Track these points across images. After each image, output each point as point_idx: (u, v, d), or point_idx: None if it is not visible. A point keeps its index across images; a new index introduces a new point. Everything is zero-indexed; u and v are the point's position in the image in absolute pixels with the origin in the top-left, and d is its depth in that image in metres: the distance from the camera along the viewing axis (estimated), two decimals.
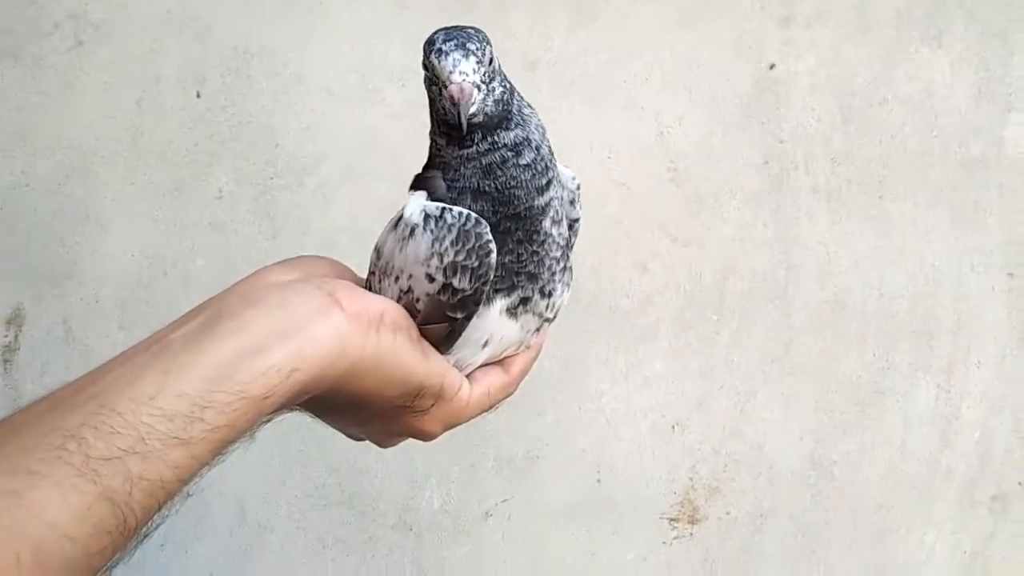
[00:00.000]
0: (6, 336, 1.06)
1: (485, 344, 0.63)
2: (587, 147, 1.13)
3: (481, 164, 0.59)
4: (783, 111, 1.21)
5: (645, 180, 1.17)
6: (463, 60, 0.57)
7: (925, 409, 1.23)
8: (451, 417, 0.64)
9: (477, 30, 0.59)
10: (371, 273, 0.63)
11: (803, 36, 1.20)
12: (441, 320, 0.60)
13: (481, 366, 0.65)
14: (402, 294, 0.60)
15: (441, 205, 0.58)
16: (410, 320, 0.60)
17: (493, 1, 1.10)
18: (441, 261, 0.58)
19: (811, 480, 1.21)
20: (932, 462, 1.23)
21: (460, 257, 0.57)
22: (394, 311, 0.58)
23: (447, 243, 0.57)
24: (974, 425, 1.23)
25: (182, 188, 1.02)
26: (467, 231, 0.57)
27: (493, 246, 0.58)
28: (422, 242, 0.59)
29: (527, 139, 0.60)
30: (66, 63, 0.99)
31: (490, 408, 0.66)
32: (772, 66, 1.19)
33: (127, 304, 1.09)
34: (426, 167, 0.63)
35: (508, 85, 0.61)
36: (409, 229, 0.59)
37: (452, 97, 0.56)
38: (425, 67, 0.58)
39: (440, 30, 0.59)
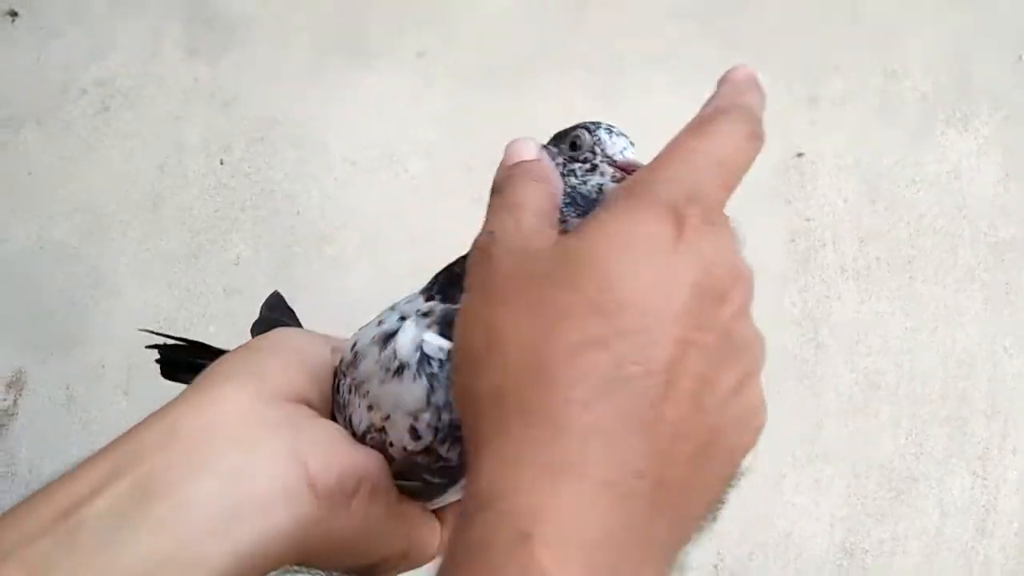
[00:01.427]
0: (5, 400, 1.05)
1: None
2: None
3: None
4: (809, 189, 1.21)
5: None
6: (631, 149, 0.55)
7: (961, 497, 1.19)
8: (415, 564, 0.53)
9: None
10: (341, 374, 0.53)
11: (830, 116, 1.22)
12: (416, 479, 0.49)
13: None
14: (373, 430, 0.50)
15: (449, 345, 0.47)
16: (389, 479, 0.49)
17: (522, 77, 1.11)
18: (437, 420, 0.47)
19: (842, 569, 1.17)
20: (970, 553, 1.19)
21: (459, 421, 0.45)
22: (375, 473, 0.47)
23: (447, 396, 0.46)
24: (1011, 515, 1.20)
25: (199, 254, 1.01)
26: None
27: None
28: (414, 389, 0.48)
29: None
30: (91, 128, 1.00)
31: None
32: (800, 154, 1.20)
33: (133, 371, 1.08)
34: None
35: None
36: (397, 365, 0.49)
37: (630, 165, 0.53)
38: (575, 143, 0.55)
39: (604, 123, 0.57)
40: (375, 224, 1.05)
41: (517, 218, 0.43)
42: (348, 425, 0.50)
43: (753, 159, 0.43)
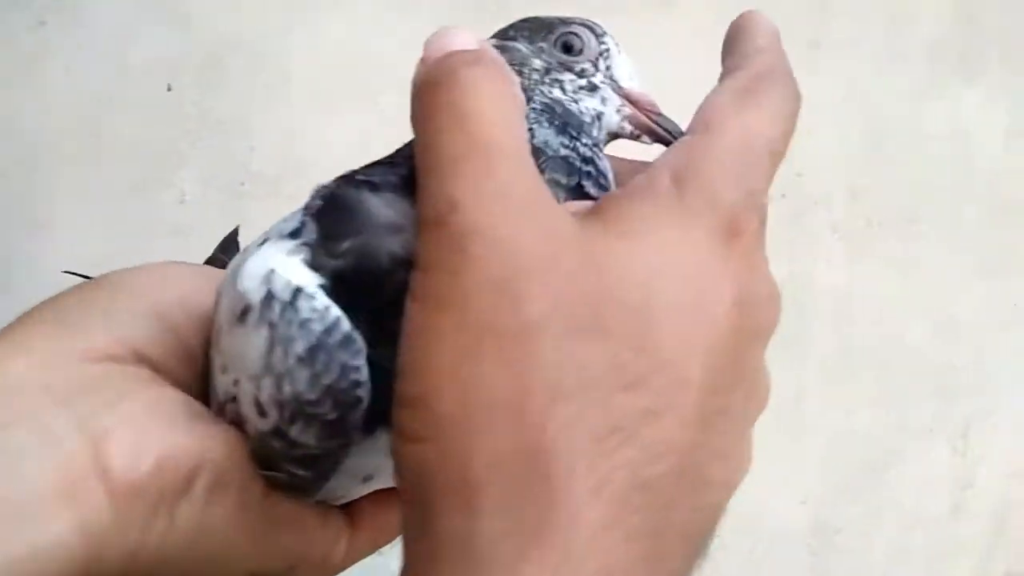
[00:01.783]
0: None
1: (368, 479, 0.40)
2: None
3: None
4: (804, 142, 1.14)
5: None
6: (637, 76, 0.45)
7: (938, 474, 1.15)
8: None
9: None
10: (213, 332, 0.39)
11: (830, 64, 1.14)
12: (280, 470, 0.37)
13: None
14: (229, 400, 0.38)
15: (307, 281, 0.35)
16: (246, 469, 0.37)
17: (503, 8, 1.02)
18: (277, 391, 0.35)
19: (813, 549, 1.13)
20: (945, 531, 1.15)
21: (310, 395, 0.34)
22: (217, 462, 0.36)
23: (291, 359, 0.34)
24: (989, 493, 1.16)
25: (141, 189, 0.93)
26: (328, 348, 0.34)
27: (364, 391, 0.35)
28: (254, 340, 0.35)
29: None
30: (26, 45, 0.90)
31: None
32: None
33: None
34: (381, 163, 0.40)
35: None
36: (242, 308, 0.36)
37: (647, 105, 0.43)
38: (568, 43, 0.43)
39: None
40: (339, 163, 0.96)
41: (490, 166, 0.31)
42: (214, 395, 0.38)
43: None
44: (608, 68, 0.43)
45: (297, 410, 0.35)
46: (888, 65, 1.14)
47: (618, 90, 0.43)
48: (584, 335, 0.30)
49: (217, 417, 0.38)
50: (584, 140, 0.40)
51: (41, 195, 0.91)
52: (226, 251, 0.57)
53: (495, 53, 0.35)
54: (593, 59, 0.43)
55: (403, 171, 0.36)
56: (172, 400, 0.37)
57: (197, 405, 0.38)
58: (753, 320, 0.33)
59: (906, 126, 1.15)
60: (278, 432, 0.36)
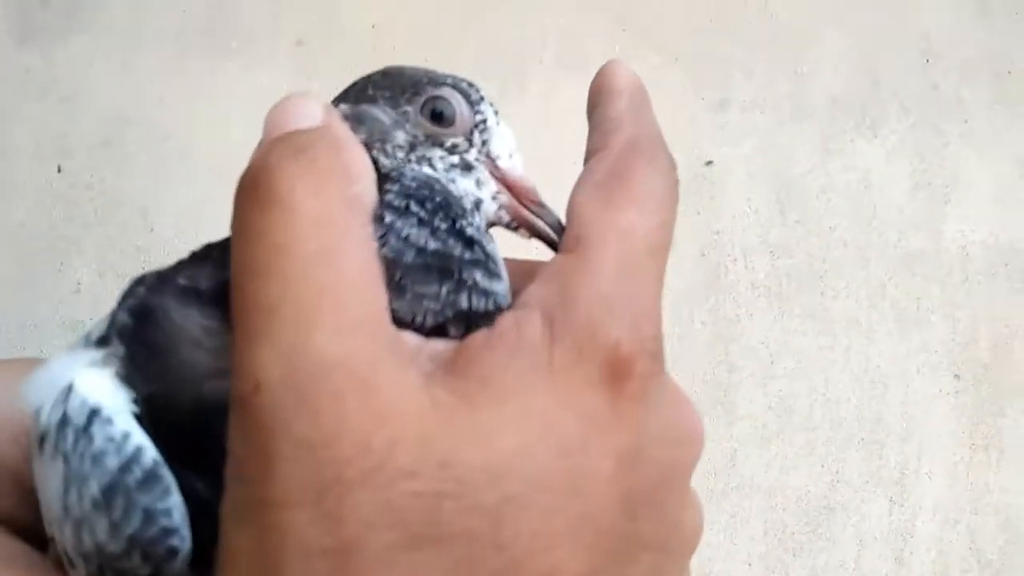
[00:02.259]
0: None
1: None
2: (507, 239, 1.02)
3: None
4: (718, 200, 1.13)
5: None
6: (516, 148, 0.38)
7: (879, 526, 1.13)
8: None
9: None
10: None
11: (738, 122, 1.13)
12: None
13: None
14: (51, 541, 0.32)
15: (108, 400, 0.29)
16: None
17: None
18: (79, 539, 0.28)
19: None
20: None
21: (114, 547, 0.28)
22: None
23: (86, 503, 0.28)
24: (929, 543, 1.14)
25: (31, 281, 0.85)
26: (126, 490, 0.28)
27: (179, 539, 0.28)
28: (51, 477, 0.29)
29: None
30: None
31: None
32: (709, 163, 1.12)
33: None
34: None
35: None
36: (37, 433, 0.30)
37: (525, 193, 0.36)
38: (439, 111, 0.36)
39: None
40: None
41: (308, 326, 0.25)
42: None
43: None
44: (484, 143, 0.37)
45: (103, 564, 0.28)
46: (792, 122, 1.14)
47: (495, 171, 0.36)
48: (420, 544, 0.24)
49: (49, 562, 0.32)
50: (469, 220, 0.34)
51: None
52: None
53: (339, 134, 0.30)
54: (467, 132, 0.36)
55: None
56: None
57: (19, 548, 0.32)
58: (656, 471, 0.28)
59: (813, 181, 1.16)
60: None
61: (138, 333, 0.31)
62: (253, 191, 0.28)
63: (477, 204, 0.35)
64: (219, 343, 0.30)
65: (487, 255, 0.33)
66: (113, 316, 0.32)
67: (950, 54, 1.20)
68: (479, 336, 0.29)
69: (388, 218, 0.31)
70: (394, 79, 0.37)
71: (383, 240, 0.31)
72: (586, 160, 0.33)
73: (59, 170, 0.86)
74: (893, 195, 1.19)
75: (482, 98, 0.37)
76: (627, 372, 0.27)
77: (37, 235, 0.86)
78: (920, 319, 1.18)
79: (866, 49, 1.17)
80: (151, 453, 0.29)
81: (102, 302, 0.86)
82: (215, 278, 0.31)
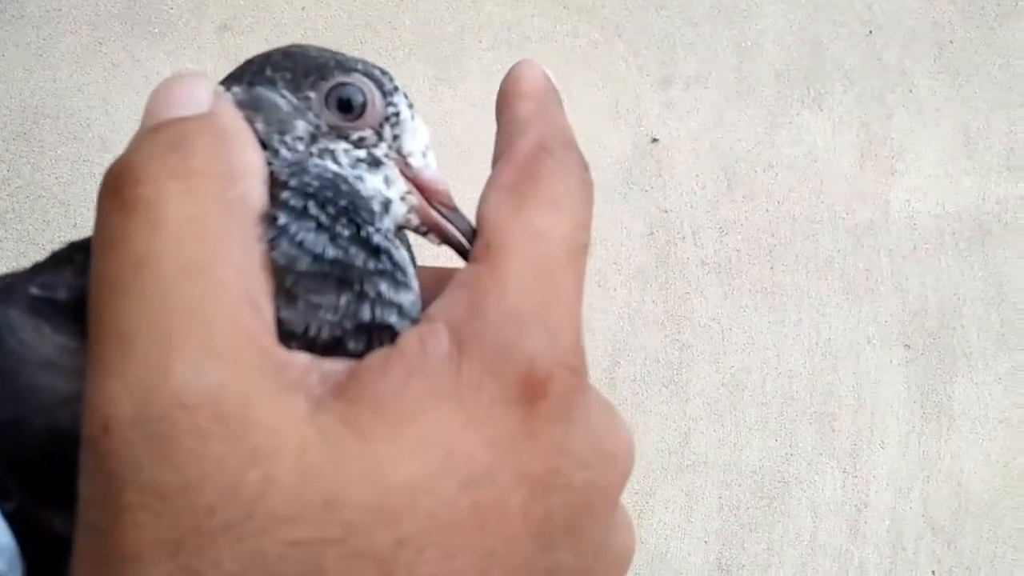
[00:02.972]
0: None
1: None
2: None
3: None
4: (666, 178, 1.09)
5: None
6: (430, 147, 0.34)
7: (832, 498, 1.11)
8: None
9: None
10: None
11: (683, 98, 1.10)
12: None
13: None
14: None
15: None
16: None
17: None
18: None
19: None
20: (844, 556, 1.10)
21: None
22: None
23: None
24: (883, 512, 1.12)
25: None
26: None
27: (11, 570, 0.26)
28: None
29: None
30: None
31: None
32: (655, 139, 1.08)
33: None
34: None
35: None
36: None
37: (438, 195, 0.32)
38: (345, 100, 0.32)
39: (373, 65, 0.33)
40: None
41: (167, 357, 0.22)
42: None
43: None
44: (396, 138, 0.32)
45: None
46: (738, 97, 1.11)
47: (405, 169, 0.32)
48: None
49: None
50: (376, 225, 0.30)
51: None
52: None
53: (225, 124, 0.26)
54: (376, 125, 0.32)
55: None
56: None
57: None
58: (577, 495, 0.25)
59: (760, 156, 1.13)
60: None
61: None
62: (115, 192, 0.24)
63: (385, 205, 0.31)
64: (77, 363, 0.25)
65: (394, 264, 0.29)
66: None
67: (893, 25, 1.17)
68: (377, 355, 0.25)
69: (282, 220, 0.27)
70: (297, 60, 0.32)
71: (273, 243, 0.27)
72: (493, 164, 0.30)
73: None
74: (840, 167, 1.16)
75: (395, 88, 0.32)
76: (542, 390, 0.24)
77: None
78: (870, 290, 1.15)
79: (809, 22, 1.14)
80: None
81: None
82: (74, 287, 0.27)
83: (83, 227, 0.86)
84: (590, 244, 0.27)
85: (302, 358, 0.25)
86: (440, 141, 0.98)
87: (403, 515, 0.22)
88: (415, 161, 0.32)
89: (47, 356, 0.26)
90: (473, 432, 0.23)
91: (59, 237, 0.86)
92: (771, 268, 1.12)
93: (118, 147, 0.78)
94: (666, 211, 1.08)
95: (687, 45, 1.09)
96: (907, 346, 1.16)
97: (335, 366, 0.25)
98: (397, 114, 0.32)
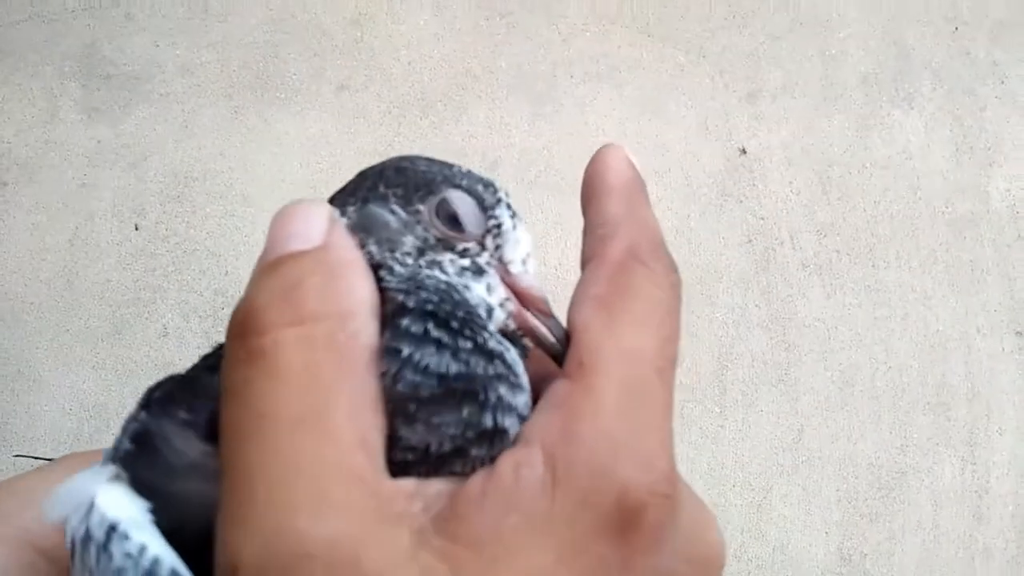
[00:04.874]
0: None
1: None
2: (561, 243, 1.03)
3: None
4: (760, 187, 1.12)
5: None
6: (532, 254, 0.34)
7: (952, 485, 1.10)
8: None
9: None
10: None
11: (772, 110, 1.13)
12: None
13: None
14: None
15: (126, 514, 0.29)
16: None
17: (450, 103, 1.01)
18: None
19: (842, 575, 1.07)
20: (969, 542, 1.09)
21: None
22: None
23: None
24: (1006, 497, 1.10)
25: (123, 329, 0.90)
26: None
27: None
28: None
29: None
30: None
31: None
32: (743, 151, 1.11)
33: None
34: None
35: None
36: (68, 545, 0.30)
37: (537, 303, 0.33)
38: (451, 212, 0.33)
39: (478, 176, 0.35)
40: None
41: (285, 510, 0.24)
42: None
43: None
44: (498, 248, 0.33)
45: None
46: (826, 103, 1.13)
47: (505, 277, 0.33)
48: None
49: None
50: (489, 331, 0.30)
51: (27, 351, 0.88)
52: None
53: (337, 256, 0.27)
54: (480, 236, 0.33)
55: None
56: None
57: None
58: None
59: (853, 159, 1.14)
60: None
61: (139, 459, 0.30)
62: (241, 340, 0.26)
63: (488, 311, 0.32)
64: (218, 466, 0.28)
65: (508, 366, 0.30)
66: (118, 440, 0.31)
67: (978, 19, 1.17)
68: (475, 484, 0.26)
69: (405, 351, 0.28)
70: (407, 176, 0.33)
71: (397, 376, 0.28)
72: (583, 266, 0.30)
73: (136, 228, 0.91)
74: (935, 163, 1.16)
75: (498, 200, 0.33)
76: (636, 521, 0.24)
77: (124, 288, 0.90)
78: (975, 281, 1.15)
79: (892, 24, 1.15)
80: (168, 563, 0.27)
81: (188, 342, 0.90)
82: (212, 410, 0.29)
83: (232, 274, 0.95)
84: (678, 356, 0.28)
85: (407, 485, 0.26)
86: (540, 170, 1.04)
87: None
88: (515, 268, 0.32)
89: (194, 460, 0.29)
90: (566, 566, 0.24)
91: (214, 284, 0.96)
92: (873, 266, 1.13)
93: (258, 200, 0.86)
94: (762, 218, 1.11)
95: (771, 59, 1.12)
96: (1018, 333, 1.15)
97: (438, 489, 0.26)
98: (499, 225, 0.32)
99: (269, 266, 0.27)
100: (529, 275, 0.33)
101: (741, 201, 1.11)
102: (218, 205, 0.93)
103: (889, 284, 1.13)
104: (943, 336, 1.13)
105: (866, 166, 1.14)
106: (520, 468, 0.25)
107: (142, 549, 0.27)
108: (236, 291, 0.93)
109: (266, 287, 0.27)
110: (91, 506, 0.28)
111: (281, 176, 0.94)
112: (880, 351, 1.11)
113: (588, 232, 0.31)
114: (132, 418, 0.31)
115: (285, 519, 0.23)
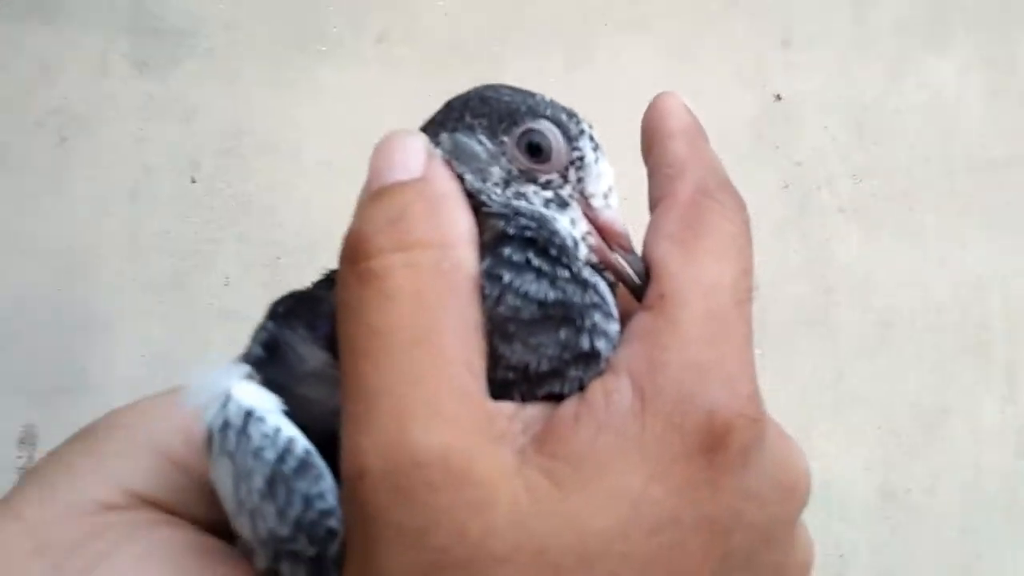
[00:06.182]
0: (20, 457, 0.96)
1: None
2: None
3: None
4: (795, 132, 1.12)
5: None
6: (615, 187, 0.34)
7: (993, 423, 1.11)
8: None
9: None
10: None
11: (805, 57, 1.13)
12: None
13: None
14: (233, 537, 0.33)
15: (260, 403, 0.31)
16: None
17: (490, 55, 1.02)
18: (254, 528, 0.30)
19: (887, 512, 1.08)
20: (1011, 477, 1.10)
21: (283, 531, 0.30)
22: None
23: (255, 495, 0.30)
24: None
25: (186, 280, 0.92)
26: (284, 478, 0.30)
27: (336, 521, 0.29)
28: (222, 475, 0.31)
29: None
30: (51, 162, 0.91)
31: None
32: (778, 97, 1.11)
33: None
34: None
35: None
36: (205, 436, 0.32)
37: (618, 238, 0.33)
38: (536, 143, 0.33)
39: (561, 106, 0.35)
40: None
41: (403, 418, 0.25)
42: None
43: None
44: (580, 180, 0.33)
45: (278, 549, 0.30)
46: (859, 49, 1.13)
47: (587, 210, 0.33)
48: None
49: (240, 553, 0.33)
50: (577, 264, 0.32)
51: (96, 301, 0.91)
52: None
53: (437, 188, 0.29)
54: (563, 168, 0.33)
55: None
56: (175, 544, 0.33)
57: (212, 543, 0.34)
58: (757, 532, 0.27)
59: (887, 104, 1.14)
60: (273, 573, 0.31)
61: (268, 363, 0.33)
62: (352, 264, 0.28)
63: (574, 244, 0.32)
64: (338, 375, 0.30)
65: (601, 296, 0.31)
66: (249, 346, 0.34)
67: None
68: (569, 408, 0.28)
69: (506, 276, 0.30)
70: (492, 106, 0.34)
71: (499, 299, 0.29)
72: (651, 207, 0.31)
73: (193, 181, 0.93)
74: (970, 106, 1.16)
75: (582, 131, 0.34)
76: (723, 442, 0.26)
77: (184, 240, 0.92)
78: (1012, 223, 1.15)
79: None
80: (302, 443, 0.30)
81: (249, 292, 0.93)
82: (330, 324, 0.32)
83: (286, 225, 0.98)
84: (755, 286, 0.29)
85: (507, 408, 0.28)
86: None
87: (600, 558, 0.25)
88: (597, 203, 0.33)
89: (315, 368, 0.32)
90: (657, 483, 0.25)
91: (268, 236, 0.98)
92: (909, 209, 1.13)
93: (307, 152, 0.88)
94: (799, 163, 1.11)
95: (804, 5, 1.12)
96: None
97: (534, 413, 0.28)
98: (582, 158, 0.33)
99: (375, 195, 0.29)
100: (611, 209, 0.33)
101: (777, 147, 1.12)
102: (268, 159, 0.95)
103: (926, 227, 1.13)
104: (981, 278, 1.13)
105: (900, 111, 1.14)
106: (611, 394, 0.27)
107: (277, 430, 0.30)
108: (292, 242, 0.95)
109: (373, 215, 0.29)
110: (227, 397, 0.31)
111: (325, 129, 0.96)
112: (918, 293, 1.12)
113: (653, 174, 0.32)
114: (261, 327, 0.34)
115: (403, 430, 0.25)
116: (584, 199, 0.33)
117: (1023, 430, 1.11)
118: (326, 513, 0.29)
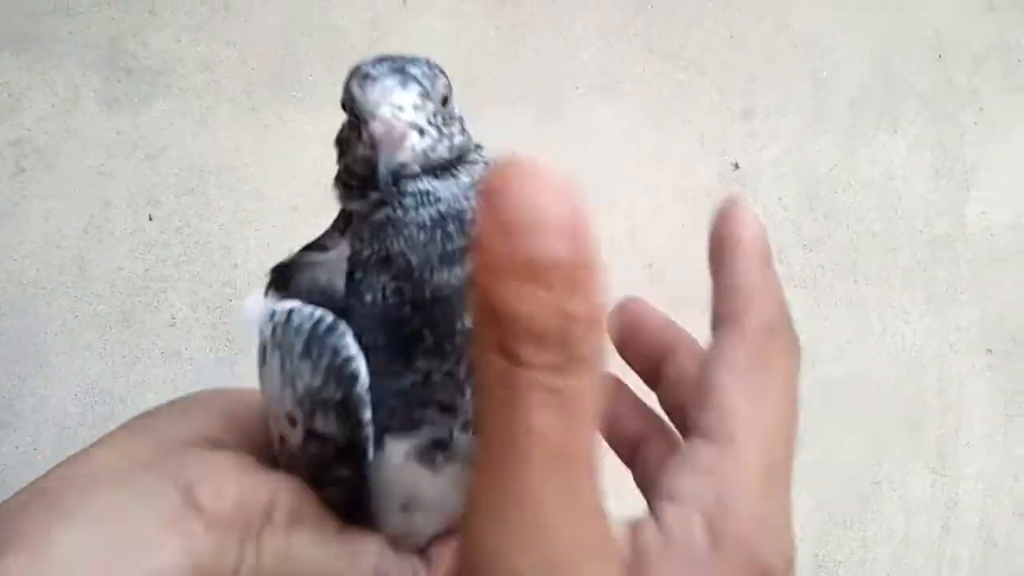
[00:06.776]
0: None
1: (406, 507, 0.39)
2: None
3: (369, 222, 0.38)
4: (751, 201, 1.14)
5: (621, 280, 1.08)
6: (398, 89, 0.37)
7: (923, 497, 1.14)
8: None
9: (427, 58, 0.40)
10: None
11: (764, 128, 1.15)
12: (330, 483, 0.38)
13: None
14: (279, 443, 0.40)
15: (293, 304, 0.37)
16: (315, 505, 0.38)
17: (463, 106, 1.02)
18: (294, 390, 0.37)
19: None
20: (937, 552, 1.13)
21: (316, 382, 0.36)
22: (289, 494, 0.37)
23: (296, 360, 0.36)
24: (973, 510, 1.14)
25: (131, 317, 0.90)
26: (318, 337, 0.36)
27: (359, 365, 0.35)
28: (273, 366, 0.38)
29: (432, 191, 0.37)
30: (6, 191, 0.88)
31: None
32: (736, 165, 1.14)
33: (69, 451, 0.93)
34: (324, 235, 0.43)
35: (472, 139, 0.42)
36: (260, 349, 0.39)
37: (373, 137, 0.36)
38: (344, 104, 0.39)
39: (375, 57, 0.39)
40: None
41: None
42: (276, 454, 0.41)
43: None
44: (359, 109, 0.42)
45: (313, 401, 0.36)
46: (816, 123, 1.16)
47: (370, 125, 0.40)
48: None
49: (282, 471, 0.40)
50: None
51: (36, 334, 0.88)
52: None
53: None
54: (352, 111, 0.43)
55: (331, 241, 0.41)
56: (244, 460, 0.39)
57: (265, 464, 0.40)
58: None
59: (839, 178, 1.17)
60: (310, 433, 0.37)
61: (279, 282, 0.41)
62: (495, 396, 0.26)
63: (373, 172, 0.41)
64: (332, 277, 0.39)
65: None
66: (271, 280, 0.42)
67: (961, 48, 1.21)
68: (654, 540, 0.29)
69: None
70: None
71: None
72: (714, 325, 0.32)
73: (150, 218, 0.91)
74: (916, 185, 1.19)
75: (357, 72, 0.42)
76: None
77: (134, 277, 0.91)
78: (951, 299, 1.18)
79: (881, 51, 1.18)
80: (331, 317, 0.36)
81: (195, 332, 0.91)
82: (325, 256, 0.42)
83: (242, 267, 0.96)
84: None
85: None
86: None
87: None
88: (373, 109, 0.41)
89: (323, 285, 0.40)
90: None
91: (223, 276, 0.96)
92: (855, 282, 1.16)
93: (273, 197, 0.87)
94: None
95: (766, 79, 1.15)
96: (989, 351, 1.18)
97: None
98: (354, 96, 0.42)
99: (530, 269, 0.22)
100: (386, 108, 0.40)
101: None
102: (231, 199, 0.93)
103: (870, 300, 1.16)
104: (919, 352, 1.17)
105: (851, 185, 1.17)
106: (687, 529, 0.28)
107: (312, 311, 0.36)
108: (244, 283, 0.93)
109: (537, 301, 0.23)
110: (272, 312, 0.38)
111: (293, 173, 0.95)
112: (859, 365, 1.15)
113: (721, 289, 0.33)
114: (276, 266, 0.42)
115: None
116: (364, 117, 0.38)
117: (952, 505, 1.14)
118: (349, 359, 0.36)
